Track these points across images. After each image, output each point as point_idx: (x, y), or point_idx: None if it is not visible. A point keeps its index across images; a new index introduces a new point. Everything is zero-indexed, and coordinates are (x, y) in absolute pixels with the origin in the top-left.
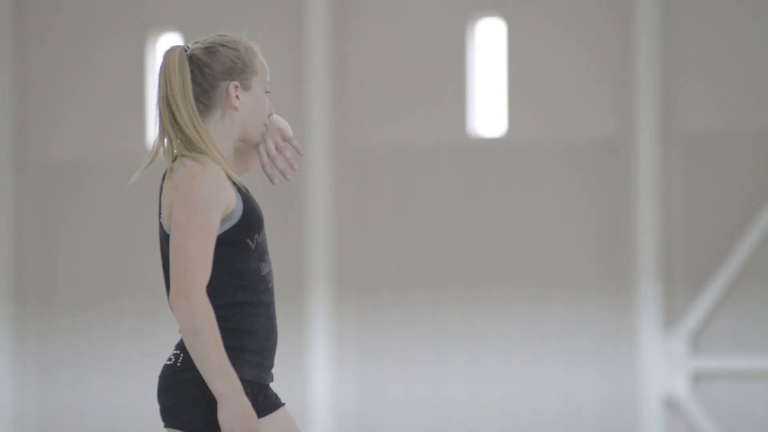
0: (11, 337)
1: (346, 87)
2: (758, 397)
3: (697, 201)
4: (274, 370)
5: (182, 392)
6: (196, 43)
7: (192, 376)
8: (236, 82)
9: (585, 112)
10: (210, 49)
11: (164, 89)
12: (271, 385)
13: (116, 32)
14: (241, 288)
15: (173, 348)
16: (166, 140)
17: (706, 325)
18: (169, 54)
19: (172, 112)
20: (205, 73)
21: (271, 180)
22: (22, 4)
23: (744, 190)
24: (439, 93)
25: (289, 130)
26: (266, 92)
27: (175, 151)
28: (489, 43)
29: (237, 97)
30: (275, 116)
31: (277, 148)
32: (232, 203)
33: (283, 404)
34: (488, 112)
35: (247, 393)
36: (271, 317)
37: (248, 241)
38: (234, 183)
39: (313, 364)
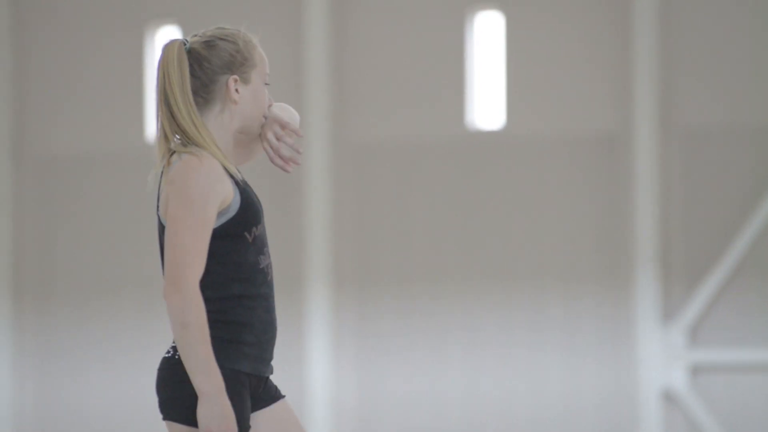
0: (10, 330)
1: (344, 80)
2: (757, 389)
3: (696, 194)
4: (273, 363)
5: (180, 385)
6: (195, 36)
7: None
8: (236, 76)
9: (584, 106)
10: (209, 43)
11: (162, 83)
12: (271, 377)
13: (115, 26)
14: (239, 281)
15: (172, 341)
16: (164, 134)
17: (704, 318)
18: (168, 48)
19: (169, 107)
20: (204, 67)
21: (284, 170)
22: None
23: (742, 184)
24: (437, 86)
25: (286, 115)
26: (265, 84)
27: (172, 145)
28: (488, 36)
29: (237, 90)
30: (275, 104)
31: (277, 138)
32: (229, 196)
33: (283, 396)
34: (487, 106)
35: (245, 385)
36: (269, 310)
37: (246, 234)
38: (232, 176)
39: (312, 357)
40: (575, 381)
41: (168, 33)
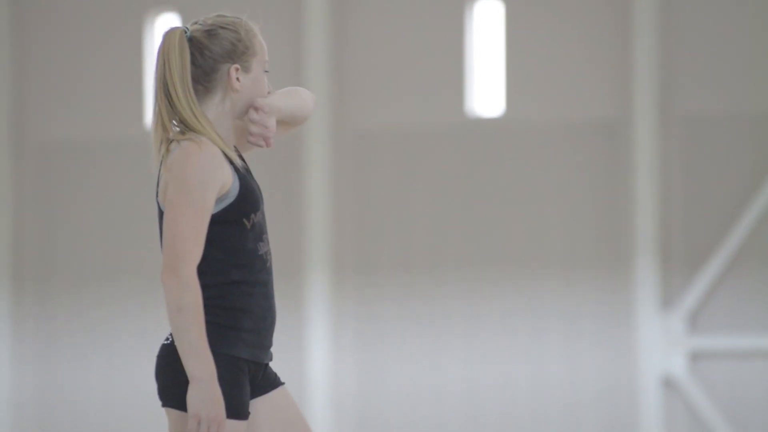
0: (10, 317)
1: (344, 68)
2: (756, 375)
3: (695, 181)
4: (272, 350)
5: (177, 372)
6: (195, 24)
7: None
8: (237, 65)
9: (583, 94)
10: (210, 32)
11: (162, 71)
12: (270, 364)
13: (115, 14)
14: (238, 267)
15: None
16: (161, 123)
17: (704, 305)
18: (169, 35)
19: (168, 95)
20: (206, 56)
21: (258, 145)
22: None
23: (742, 171)
24: (437, 74)
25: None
26: (265, 71)
27: (170, 135)
28: (487, 24)
29: (238, 79)
30: (286, 89)
31: (250, 120)
32: (228, 183)
33: (283, 383)
34: (487, 94)
35: (243, 372)
36: (268, 297)
37: (244, 220)
38: (232, 163)
39: (311, 344)
40: (575, 368)
41: (168, 20)
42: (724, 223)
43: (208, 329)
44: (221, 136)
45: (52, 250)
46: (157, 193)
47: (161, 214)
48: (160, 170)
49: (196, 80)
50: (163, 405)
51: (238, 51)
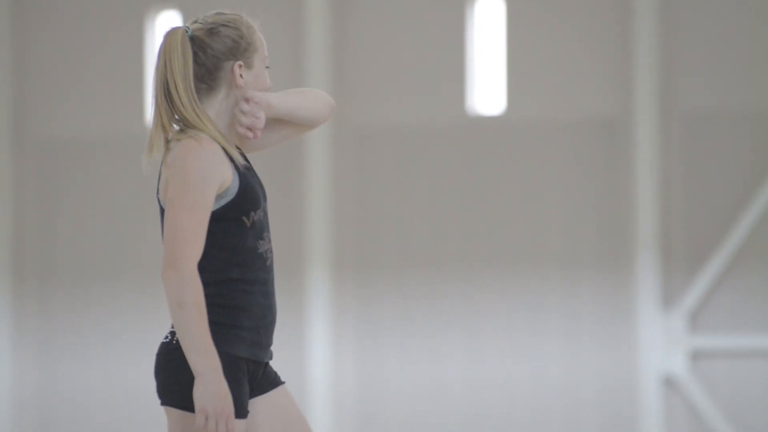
0: (11, 314)
1: (345, 66)
2: (757, 375)
3: (696, 180)
4: (272, 348)
5: (177, 370)
6: (196, 22)
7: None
8: (240, 62)
9: (584, 91)
10: (212, 30)
11: (162, 70)
12: (271, 363)
13: (116, 11)
14: (236, 265)
15: (170, 326)
16: (160, 123)
17: (704, 303)
18: (171, 35)
19: (170, 95)
20: (209, 54)
21: (246, 137)
22: None
23: (743, 169)
24: (438, 72)
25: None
26: (266, 67)
27: (169, 135)
28: (488, 21)
29: (241, 76)
30: (299, 89)
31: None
32: (228, 180)
33: (283, 383)
34: (487, 91)
35: (242, 370)
36: (268, 295)
37: (244, 218)
38: (232, 160)
39: (312, 343)
40: (576, 366)
41: (168, 18)
42: (724, 222)
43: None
44: (222, 134)
45: (52, 247)
46: (158, 190)
47: (162, 211)
48: (160, 168)
49: (199, 79)
50: (162, 404)
51: (240, 48)
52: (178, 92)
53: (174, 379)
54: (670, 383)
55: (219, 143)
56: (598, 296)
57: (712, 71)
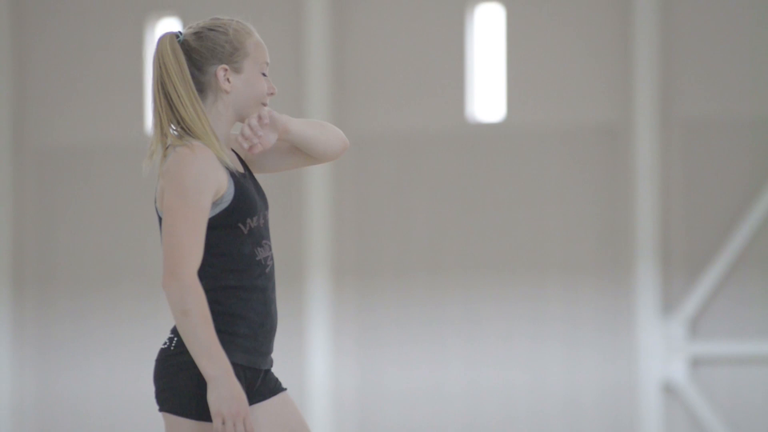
0: (10, 321)
1: (345, 72)
2: (757, 381)
3: (696, 186)
4: (273, 355)
5: (175, 376)
6: (189, 28)
7: (184, 360)
8: (225, 66)
9: (584, 98)
10: (199, 34)
11: (158, 74)
12: (272, 370)
13: (115, 17)
14: (234, 272)
15: (170, 331)
16: (160, 128)
17: (704, 310)
18: (161, 40)
19: (169, 97)
20: (194, 58)
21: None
22: None
23: (742, 175)
24: (438, 78)
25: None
26: (263, 73)
27: (168, 140)
28: (488, 28)
29: (228, 80)
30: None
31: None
32: (223, 187)
33: (284, 390)
34: (487, 98)
35: (239, 378)
36: (267, 302)
37: (240, 225)
38: (228, 167)
39: (312, 349)
40: (575, 373)
41: (168, 25)
42: (724, 228)
43: None
44: (221, 139)
45: (52, 254)
46: (155, 199)
47: (161, 220)
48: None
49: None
50: (160, 410)
51: (225, 52)
52: (177, 93)
53: (170, 385)
54: (669, 390)
55: (213, 149)
56: (597, 303)
57: (711, 78)
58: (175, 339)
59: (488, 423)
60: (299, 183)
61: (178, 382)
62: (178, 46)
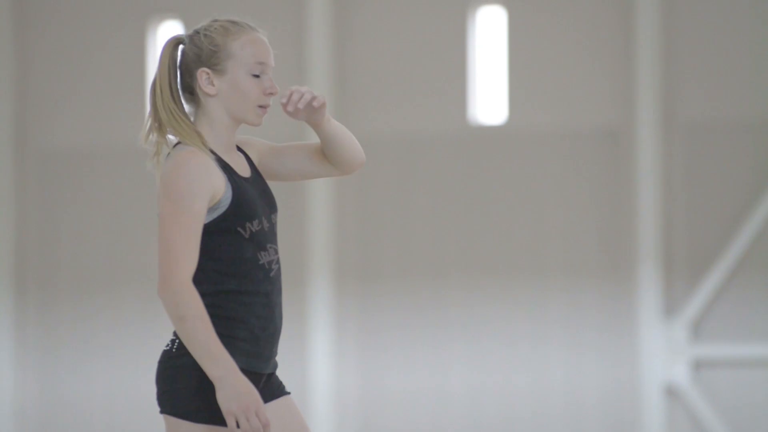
0: (12, 324)
1: (347, 75)
2: (759, 384)
3: (698, 189)
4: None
5: (175, 378)
6: (191, 31)
7: (185, 362)
8: (205, 69)
9: (586, 101)
10: (191, 38)
11: (153, 79)
12: (277, 373)
13: (117, 20)
14: (235, 276)
15: (172, 333)
16: (158, 129)
17: (706, 313)
18: (165, 44)
19: (154, 101)
20: (186, 63)
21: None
22: None
23: (744, 179)
24: (440, 81)
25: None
26: (255, 74)
27: (167, 144)
28: (490, 30)
29: (212, 83)
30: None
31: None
32: (220, 191)
33: (288, 393)
34: (489, 100)
35: None
36: (270, 306)
37: (239, 229)
38: (226, 171)
39: (314, 352)
40: (578, 375)
41: (170, 28)
42: (726, 231)
43: None
44: (220, 142)
45: (54, 257)
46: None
47: None
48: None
49: (185, 88)
50: (161, 411)
51: (205, 54)
52: (161, 98)
53: (170, 387)
54: (672, 393)
55: (211, 153)
56: (600, 305)
57: (713, 81)
58: (177, 341)
59: (490, 426)
60: (301, 186)
61: (178, 384)
62: (174, 51)
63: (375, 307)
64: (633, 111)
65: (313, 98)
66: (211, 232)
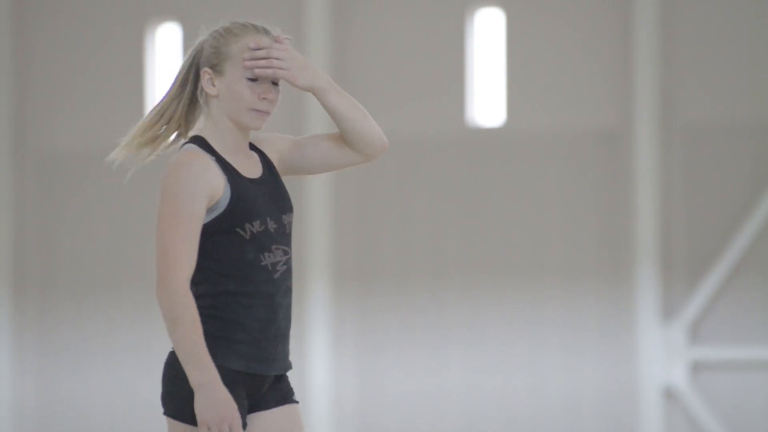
0: (11, 326)
1: (345, 77)
2: (757, 387)
3: (696, 191)
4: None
5: (176, 380)
6: None
7: None
8: (207, 69)
9: (584, 103)
10: (207, 37)
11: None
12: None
13: (116, 23)
14: (235, 278)
15: None
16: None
17: (705, 315)
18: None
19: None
20: (200, 63)
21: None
22: None
23: (743, 180)
24: (438, 83)
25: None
26: (249, 79)
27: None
28: (488, 33)
29: (213, 84)
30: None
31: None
32: (218, 192)
33: (295, 401)
34: (487, 102)
35: (236, 383)
36: (272, 308)
37: (239, 230)
38: (227, 171)
39: (313, 353)
40: (576, 378)
41: (168, 30)
42: (725, 233)
43: None
44: (225, 144)
45: (53, 259)
46: None
47: None
48: None
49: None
50: (164, 413)
51: (206, 55)
52: (168, 98)
53: (171, 389)
54: (670, 395)
55: (212, 154)
56: (598, 307)
57: (712, 82)
58: None
59: (489, 427)
60: (300, 187)
61: (178, 386)
62: (193, 52)
63: (374, 308)
64: (631, 113)
65: (277, 63)
66: (211, 233)
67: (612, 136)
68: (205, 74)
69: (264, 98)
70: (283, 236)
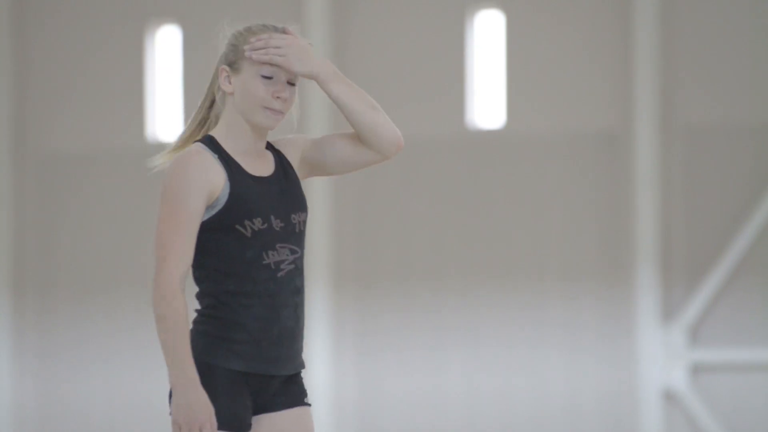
0: (11, 327)
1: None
2: (757, 388)
3: (696, 192)
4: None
5: None
6: None
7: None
8: (224, 66)
9: (584, 104)
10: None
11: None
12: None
13: (116, 24)
14: (234, 276)
15: None
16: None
17: (705, 317)
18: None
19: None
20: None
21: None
22: None
23: (743, 182)
24: (438, 85)
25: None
26: (265, 76)
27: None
28: (488, 35)
29: (230, 82)
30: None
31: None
32: (218, 189)
33: (306, 404)
34: (487, 104)
35: (237, 383)
36: (274, 308)
37: (239, 228)
38: (229, 168)
39: (312, 354)
40: (576, 379)
41: (168, 32)
42: (725, 235)
43: (201, 339)
44: (236, 143)
45: (52, 260)
46: None
47: None
48: None
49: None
50: (170, 413)
51: (224, 52)
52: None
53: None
54: (670, 397)
55: (216, 152)
56: (598, 309)
57: (712, 84)
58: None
59: (488, 429)
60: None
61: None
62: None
63: (373, 310)
64: (631, 114)
65: (274, 51)
66: (212, 230)
67: (612, 137)
68: (223, 72)
69: (278, 97)
70: (292, 235)
